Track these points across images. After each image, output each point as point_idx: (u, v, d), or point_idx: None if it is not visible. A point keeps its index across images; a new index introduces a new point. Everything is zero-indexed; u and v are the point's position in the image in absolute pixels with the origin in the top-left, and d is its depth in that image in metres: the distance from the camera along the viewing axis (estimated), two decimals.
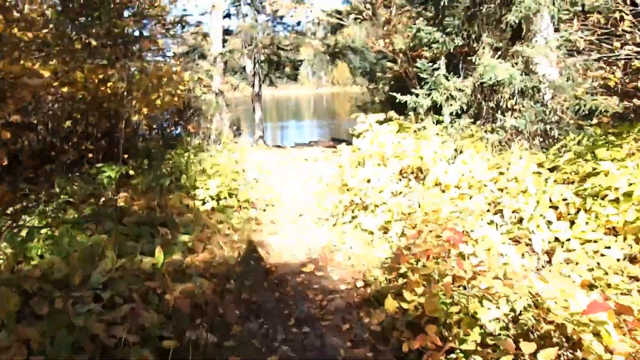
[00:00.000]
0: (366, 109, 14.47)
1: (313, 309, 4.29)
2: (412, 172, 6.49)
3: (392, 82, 14.60)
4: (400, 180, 6.45)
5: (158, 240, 4.89)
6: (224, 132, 17.66)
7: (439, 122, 7.61)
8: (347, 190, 6.87)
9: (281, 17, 20.30)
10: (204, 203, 7.09)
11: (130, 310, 3.29)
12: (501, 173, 5.70)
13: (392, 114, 8.47)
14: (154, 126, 10.50)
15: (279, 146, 20.97)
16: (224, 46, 18.47)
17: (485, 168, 5.82)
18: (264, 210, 7.53)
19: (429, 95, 7.40)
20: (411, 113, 8.00)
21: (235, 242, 5.97)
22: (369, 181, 6.52)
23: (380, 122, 8.31)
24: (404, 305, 3.68)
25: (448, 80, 7.25)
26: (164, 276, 4.01)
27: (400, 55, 8.76)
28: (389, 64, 12.76)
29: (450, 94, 7.22)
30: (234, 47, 19.00)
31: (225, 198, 7.21)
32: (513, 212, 5.06)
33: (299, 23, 20.07)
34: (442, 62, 7.39)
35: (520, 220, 4.92)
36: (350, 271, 5.14)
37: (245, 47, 19.24)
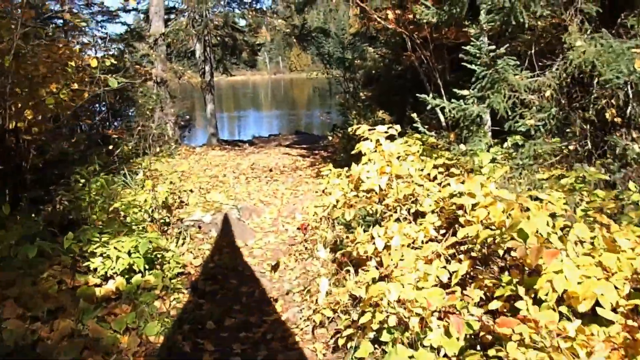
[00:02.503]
0: (348, 108, 11.57)
1: None
2: (484, 250, 3.65)
3: (379, 74, 11.71)
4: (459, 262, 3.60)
5: None
6: (167, 131, 14.39)
7: (492, 145, 4.83)
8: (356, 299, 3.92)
9: None
10: (104, 280, 4.12)
11: None
12: None
13: (397, 127, 5.65)
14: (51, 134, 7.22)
15: (235, 143, 17.83)
16: (166, 26, 15.09)
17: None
18: (209, 291, 4.54)
19: (480, 98, 4.58)
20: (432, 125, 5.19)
21: None
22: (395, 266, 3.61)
23: (391, 138, 5.49)
24: None
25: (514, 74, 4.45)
26: None
27: (415, 35, 5.88)
28: (384, 50, 9.90)
29: (518, 98, 4.43)
30: (179, 27, 15.60)
31: (142, 271, 4.21)
32: None
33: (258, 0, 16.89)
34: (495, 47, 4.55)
35: None
36: None
37: (194, 28, 15.87)
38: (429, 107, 5.16)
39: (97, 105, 10.96)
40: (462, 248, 3.73)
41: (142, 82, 13.70)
